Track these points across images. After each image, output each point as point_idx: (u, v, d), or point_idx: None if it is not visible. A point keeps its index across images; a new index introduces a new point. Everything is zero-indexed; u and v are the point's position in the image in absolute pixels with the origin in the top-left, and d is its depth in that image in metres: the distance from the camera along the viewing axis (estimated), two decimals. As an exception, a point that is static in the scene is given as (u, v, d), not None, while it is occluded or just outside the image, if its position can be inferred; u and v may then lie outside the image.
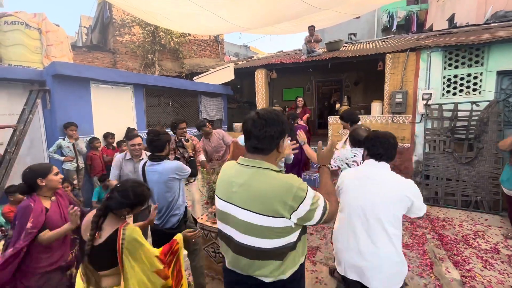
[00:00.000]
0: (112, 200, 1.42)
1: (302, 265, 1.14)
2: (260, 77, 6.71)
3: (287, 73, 7.54)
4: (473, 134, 4.17)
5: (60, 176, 1.79)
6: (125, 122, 4.95)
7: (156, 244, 2.14)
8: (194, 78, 7.59)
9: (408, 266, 1.93)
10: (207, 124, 3.76)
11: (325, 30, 14.33)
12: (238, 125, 7.17)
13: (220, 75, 7.22)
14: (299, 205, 0.98)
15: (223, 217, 1.14)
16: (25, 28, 5.12)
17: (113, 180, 2.64)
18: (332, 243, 1.91)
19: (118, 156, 2.74)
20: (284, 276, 1.05)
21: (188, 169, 2.15)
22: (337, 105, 7.05)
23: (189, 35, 10.10)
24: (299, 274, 1.12)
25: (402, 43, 5.82)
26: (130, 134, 4.66)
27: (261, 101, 6.80)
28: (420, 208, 1.46)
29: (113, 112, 4.80)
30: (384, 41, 7.37)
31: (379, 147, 1.51)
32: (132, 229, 1.37)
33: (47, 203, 1.74)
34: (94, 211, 1.42)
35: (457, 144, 4.35)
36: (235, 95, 8.63)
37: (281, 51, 10.34)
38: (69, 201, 1.94)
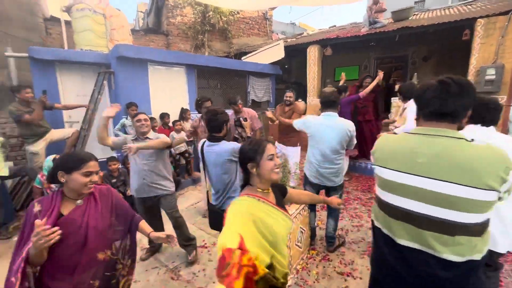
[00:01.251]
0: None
1: None
2: (312, 54, 6.20)
3: (342, 50, 6.81)
4: None
5: (93, 177, 1.27)
6: (178, 103, 5.12)
7: (213, 226, 2.16)
8: (242, 58, 7.43)
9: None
10: (238, 103, 3.60)
11: (387, -1, 12.51)
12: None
13: (269, 54, 6.91)
14: (508, 175, 0.91)
15: (399, 189, 1.08)
16: (93, 14, 5.51)
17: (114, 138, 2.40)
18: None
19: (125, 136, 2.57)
20: (479, 256, 0.96)
21: (245, 151, 2.04)
22: (397, 86, 6.17)
23: (238, 13, 9.85)
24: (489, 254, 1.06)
25: (498, 6, 4.65)
26: (183, 114, 4.87)
27: (313, 81, 6.33)
28: None
29: (168, 93, 4.98)
30: (467, 5, 6.03)
31: (486, 113, 1.46)
32: None
33: (68, 207, 1.26)
34: None
35: None
36: (283, 76, 8.26)
37: (334, 25, 9.41)
38: (111, 206, 1.38)
